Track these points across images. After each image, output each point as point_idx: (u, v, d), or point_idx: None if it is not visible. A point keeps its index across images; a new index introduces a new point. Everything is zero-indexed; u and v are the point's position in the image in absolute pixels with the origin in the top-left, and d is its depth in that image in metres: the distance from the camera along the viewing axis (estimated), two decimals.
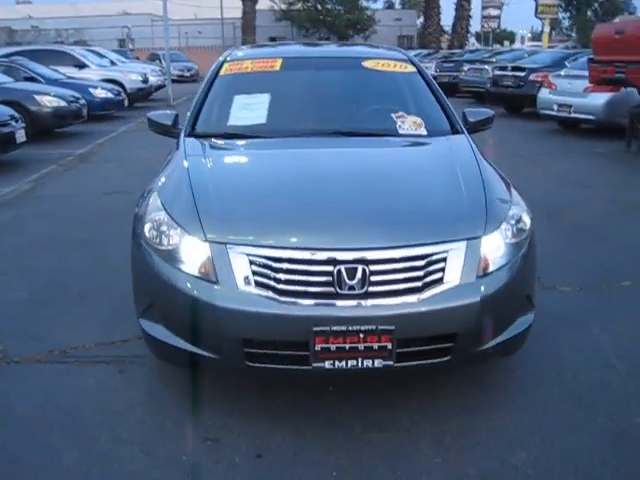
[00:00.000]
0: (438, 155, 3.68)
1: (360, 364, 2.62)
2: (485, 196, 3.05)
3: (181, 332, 2.81)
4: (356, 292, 2.62)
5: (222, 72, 4.32)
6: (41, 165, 9.06)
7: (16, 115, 9.13)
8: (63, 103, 11.45)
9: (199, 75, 34.63)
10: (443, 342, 2.72)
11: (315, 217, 2.87)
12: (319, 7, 43.63)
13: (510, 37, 74.90)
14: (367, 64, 4.33)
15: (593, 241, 5.62)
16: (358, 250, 2.65)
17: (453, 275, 2.70)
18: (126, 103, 15.43)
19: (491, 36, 46.56)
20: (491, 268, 2.81)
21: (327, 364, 2.62)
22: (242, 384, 3.19)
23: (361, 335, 2.58)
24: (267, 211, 2.91)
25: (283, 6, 43.80)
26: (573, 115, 12.01)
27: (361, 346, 2.60)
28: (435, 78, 5.94)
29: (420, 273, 2.67)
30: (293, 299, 2.62)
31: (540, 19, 42.29)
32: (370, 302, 2.62)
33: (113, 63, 19.06)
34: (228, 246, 2.70)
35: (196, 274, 2.74)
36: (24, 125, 9.21)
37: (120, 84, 16.27)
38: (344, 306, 2.61)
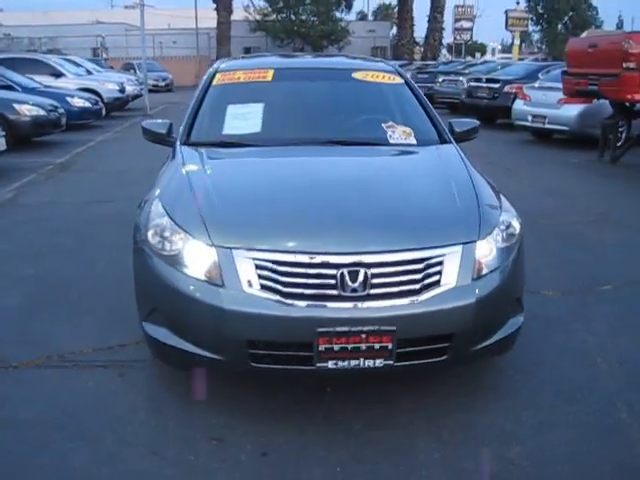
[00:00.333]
0: (429, 163, 3.81)
1: (362, 364, 2.72)
2: (477, 202, 3.19)
3: (186, 335, 2.88)
4: (358, 294, 2.72)
5: (215, 82, 4.41)
6: (22, 174, 9.01)
7: None
8: (42, 112, 11.39)
9: (174, 85, 34.64)
10: (440, 342, 2.83)
11: (318, 222, 2.97)
12: (294, 18, 43.87)
13: (482, 49, 76.05)
14: (357, 75, 4.45)
15: (572, 248, 5.80)
16: (360, 254, 2.75)
17: (450, 278, 2.82)
18: (104, 112, 15.38)
19: (463, 48, 47.31)
20: (485, 271, 2.93)
21: (330, 364, 2.72)
22: (242, 386, 3.26)
23: (363, 335, 2.68)
24: (271, 216, 3.00)
25: (258, 17, 43.97)
26: (547, 126, 12.31)
27: (363, 346, 2.70)
28: None
29: (419, 276, 2.78)
30: (297, 301, 2.71)
31: (510, 32, 43.19)
32: (372, 304, 2.72)
33: (89, 72, 18.96)
34: (234, 250, 2.78)
35: (201, 278, 2.81)
36: (4, 134, 9.16)
37: (97, 93, 16.22)
38: (347, 308, 2.71)
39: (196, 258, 2.85)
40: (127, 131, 15.08)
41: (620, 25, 58.86)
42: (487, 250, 2.98)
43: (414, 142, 4.02)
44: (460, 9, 47.03)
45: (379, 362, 2.73)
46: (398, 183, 3.47)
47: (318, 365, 2.72)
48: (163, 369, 3.43)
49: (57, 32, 39.92)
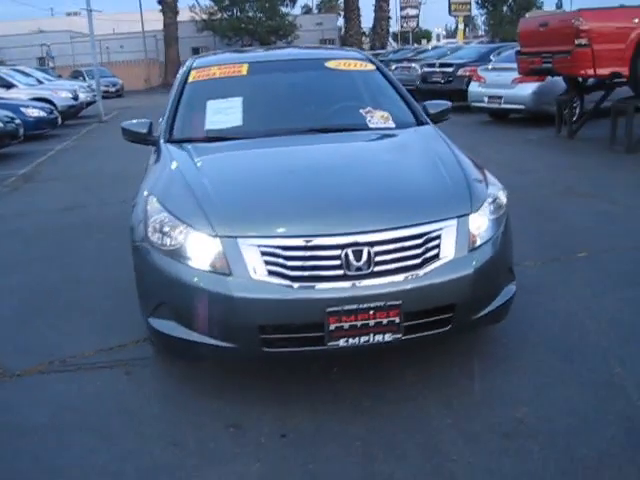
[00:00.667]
0: (412, 144, 3.91)
1: (372, 339, 2.81)
2: (465, 177, 3.30)
3: (195, 326, 2.92)
4: (363, 272, 2.81)
5: (191, 79, 4.44)
6: None
7: None
8: None
9: (124, 90, 34.20)
10: (444, 313, 2.94)
11: (317, 205, 3.05)
12: (240, 15, 43.63)
13: (427, 35, 76.93)
14: (330, 64, 4.54)
15: (542, 220, 5.99)
16: (362, 233, 2.84)
17: (448, 251, 2.93)
18: (59, 121, 15.14)
19: (411, 35, 47.75)
20: (479, 242, 3.05)
21: (341, 342, 2.80)
22: (249, 374, 3.33)
23: (371, 312, 2.77)
24: (271, 203, 3.07)
25: (204, 16, 43.58)
26: (503, 106, 12.59)
27: (372, 322, 2.79)
28: None
29: (419, 250, 2.89)
30: (306, 283, 2.79)
31: (454, 17, 43.77)
32: (377, 281, 2.81)
33: (40, 81, 18.65)
34: (239, 239, 2.84)
35: (207, 268, 2.86)
36: None
37: (51, 102, 15.96)
38: (353, 286, 2.80)
39: (200, 249, 2.90)
40: (85, 138, 14.92)
41: (560, 5, 60.09)
42: (479, 222, 3.10)
43: (393, 125, 4.12)
44: None
45: (388, 336, 2.83)
46: (387, 163, 3.57)
47: (329, 344, 2.80)
48: (168, 364, 3.49)
49: None
